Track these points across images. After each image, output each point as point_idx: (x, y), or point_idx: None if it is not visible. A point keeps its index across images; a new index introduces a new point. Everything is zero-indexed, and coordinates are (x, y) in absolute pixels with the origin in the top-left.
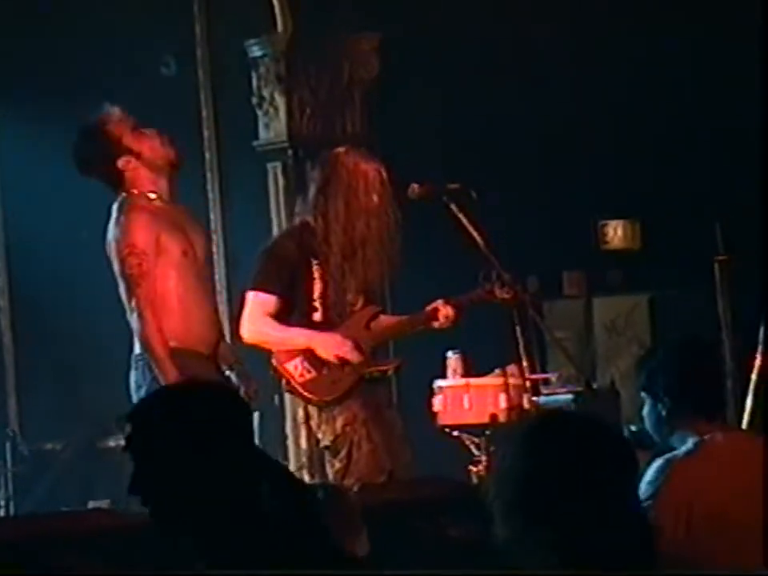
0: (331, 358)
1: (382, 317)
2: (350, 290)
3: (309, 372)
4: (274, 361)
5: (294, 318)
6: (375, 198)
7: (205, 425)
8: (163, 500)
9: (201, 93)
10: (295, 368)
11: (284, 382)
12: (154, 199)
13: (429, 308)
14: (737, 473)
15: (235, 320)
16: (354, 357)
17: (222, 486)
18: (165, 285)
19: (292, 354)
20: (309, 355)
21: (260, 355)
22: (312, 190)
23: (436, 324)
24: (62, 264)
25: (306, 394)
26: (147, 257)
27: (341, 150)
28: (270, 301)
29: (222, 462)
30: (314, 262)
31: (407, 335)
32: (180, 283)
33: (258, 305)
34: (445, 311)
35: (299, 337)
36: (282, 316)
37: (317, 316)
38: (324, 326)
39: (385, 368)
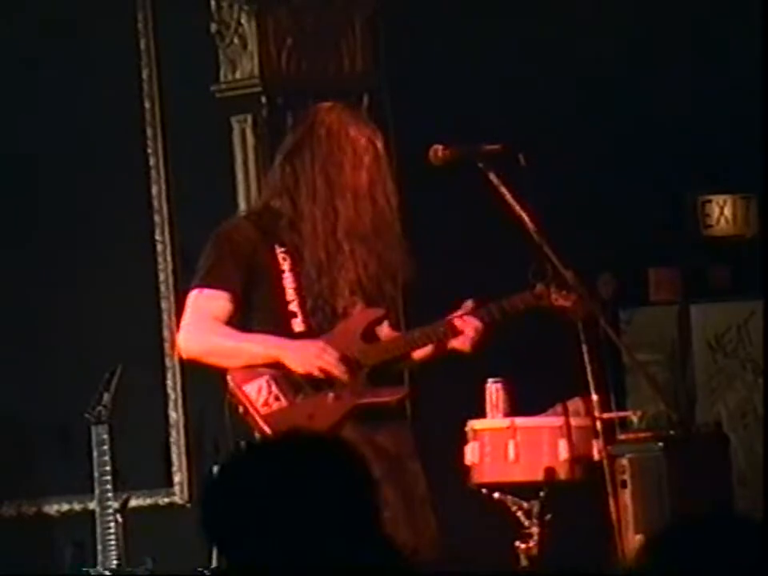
0: (314, 371)
1: (388, 328)
2: (338, 293)
3: (277, 399)
4: (229, 380)
5: (265, 331)
6: (364, 175)
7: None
8: None
9: (138, 15)
10: (258, 391)
11: (241, 410)
12: None
13: (449, 318)
14: None
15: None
16: (340, 371)
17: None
18: None
19: (254, 372)
20: (279, 375)
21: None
22: (279, 157)
23: (458, 343)
24: None
25: (269, 431)
26: None
27: (325, 105)
28: (219, 299)
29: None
30: (280, 249)
31: (422, 360)
32: None
33: (202, 305)
34: (472, 323)
35: (261, 344)
36: (237, 324)
37: (297, 324)
38: (308, 338)
39: (384, 399)
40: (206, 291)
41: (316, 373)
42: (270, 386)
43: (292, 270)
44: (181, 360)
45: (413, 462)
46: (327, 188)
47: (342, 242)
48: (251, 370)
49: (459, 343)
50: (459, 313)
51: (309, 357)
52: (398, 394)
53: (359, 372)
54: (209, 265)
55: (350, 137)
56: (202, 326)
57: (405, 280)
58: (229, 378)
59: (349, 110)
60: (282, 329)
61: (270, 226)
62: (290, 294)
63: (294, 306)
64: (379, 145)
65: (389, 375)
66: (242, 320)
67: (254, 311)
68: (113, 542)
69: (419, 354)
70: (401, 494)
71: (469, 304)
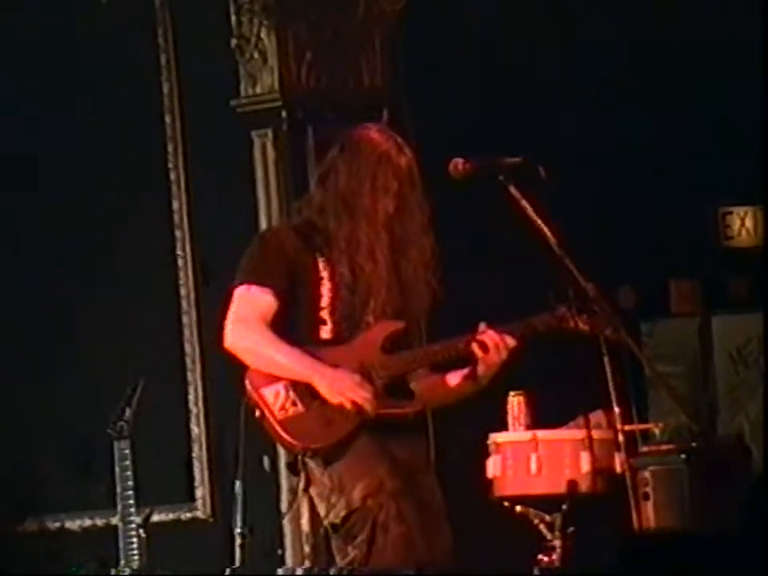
0: (345, 403)
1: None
2: (367, 312)
3: (294, 405)
4: (247, 383)
5: (295, 335)
6: (390, 202)
7: None
8: None
9: (158, 30)
10: (276, 396)
11: (258, 414)
12: None
13: (468, 336)
14: None
15: (218, 329)
16: (371, 408)
17: None
18: None
19: (272, 376)
20: (298, 381)
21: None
22: (316, 175)
23: (481, 362)
24: None
25: (284, 435)
26: None
27: (358, 129)
28: (265, 296)
29: None
30: (320, 258)
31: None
32: None
33: (250, 301)
34: (494, 339)
35: (298, 362)
36: (278, 326)
37: (325, 332)
38: (334, 347)
39: (401, 410)
40: (254, 288)
41: (347, 405)
42: (287, 391)
43: (331, 279)
44: (203, 373)
45: (427, 474)
46: (350, 219)
47: (365, 266)
48: (270, 374)
49: (484, 363)
50: (476, 333)
51: (343, 388)
52: (416, 406)
53: (377, 382)
54: (255, 262)
55: (381, 163)
56: (248, 324)
57: (431, 303)
58: (247, 380)
59: (381, 132)
60: (310, 333)
61: (311, 238)
62: (325, 301)
63: (325, 314)
64: (406, 166)
65: (410, 388)
66: (281, 320)
67: (290, 312)
68: (135, 558)
69: (452, 386)
70: (417, 508)
71: (482, 327)
